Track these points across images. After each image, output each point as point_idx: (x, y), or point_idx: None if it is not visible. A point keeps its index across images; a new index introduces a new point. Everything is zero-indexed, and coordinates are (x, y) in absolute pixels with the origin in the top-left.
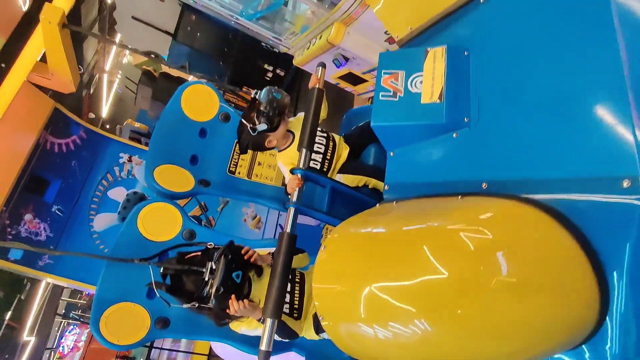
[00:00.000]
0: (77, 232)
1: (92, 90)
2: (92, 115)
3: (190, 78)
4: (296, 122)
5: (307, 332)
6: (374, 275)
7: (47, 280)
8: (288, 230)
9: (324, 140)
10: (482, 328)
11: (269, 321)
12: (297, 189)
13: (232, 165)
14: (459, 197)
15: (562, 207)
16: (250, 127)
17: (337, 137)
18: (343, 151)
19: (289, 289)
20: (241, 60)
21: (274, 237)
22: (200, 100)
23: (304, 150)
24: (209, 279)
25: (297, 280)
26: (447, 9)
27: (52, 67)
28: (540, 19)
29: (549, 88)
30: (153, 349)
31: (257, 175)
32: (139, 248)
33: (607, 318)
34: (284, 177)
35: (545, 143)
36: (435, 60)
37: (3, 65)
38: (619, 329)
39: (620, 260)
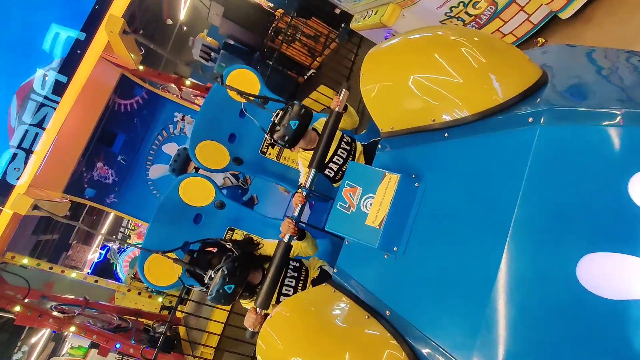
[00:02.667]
0: (136, 179)
1: None
2: (169, 22)
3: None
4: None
5: None
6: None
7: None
8: (285, 240)
9: (345, 153)
10: None
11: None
12: (299, 205)
13: (264, 146)
14: (367, 316)
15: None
16: (269, 143)
17: (359, 149)
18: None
19: (292, 284)
20: None
21: (284, 215)
22: (243, 83)
23: (312, 171)
24: (206, 284)
25: (302, 277)
26: (419, 127)
27: (117, 54)
28: (481, 173)
29: (459, 248)
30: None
31: (285, 158)
32: (179, 209)
33: None
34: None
35: (434, 299)
36: (388, 187)
37: (79, 51)
38: None
39: None
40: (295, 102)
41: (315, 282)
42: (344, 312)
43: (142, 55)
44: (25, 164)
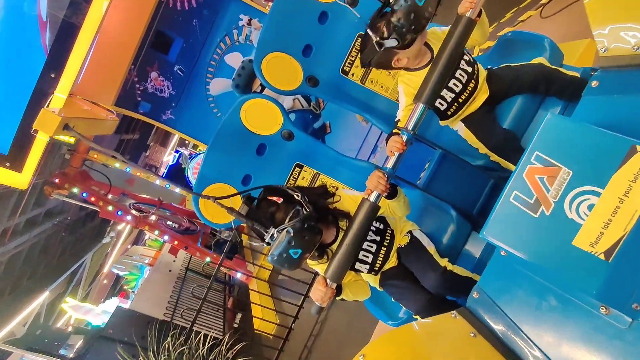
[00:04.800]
0: (195, 93)
1: None
2: None
3: None
4: (440, 35)
5: (373, 282)
6: None
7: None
8: (372, 199)
9: (466, 76)
10: None
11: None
12: (396, 153)
13: (347, 64)
14: None
15: None
16: (376, 41)
17: (482, 74)
18: (480, 95)
19: (373, 249)
20: None
21: (371, 153)
22: None
23: (419, 107)
24: (268, 241)
25: (385, 242)
26: None
27: None
28: None
29: None
30: None
31: (372, 82)
32: (240, 137)
33: None
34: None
35: None
36: (639, 177)
37: None
38: None
39: None
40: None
41: (402, 252)
42: None
43: None
44: (70, 53)
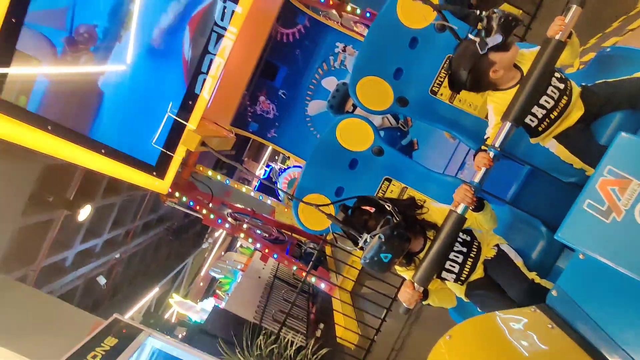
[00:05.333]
0: (295, 114)
1: None
2: None
3: None
4: (528, 56)
5: (459, 292)
6: None
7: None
8: (459, 211)
9: (557, 93)
10: None
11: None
12: (483, 168)
13: (435, 84)
14: None
15: None
16: (478, 43)
17: (575, 90)
18: (574, 112)
19: (459, 260)
20: None
21: (458, 169)
22: (420, 4)
23: (507, 125)
24: (361, 247)
25: (472, 254)
26: None
27: None
28: None
29: None
30: None
31: (460, 101)
32: (335, 153)
33: None
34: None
35: None
36: None
37: None
38: None
39: None
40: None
41: (489, 264)
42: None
43: None
44: (203, 85)
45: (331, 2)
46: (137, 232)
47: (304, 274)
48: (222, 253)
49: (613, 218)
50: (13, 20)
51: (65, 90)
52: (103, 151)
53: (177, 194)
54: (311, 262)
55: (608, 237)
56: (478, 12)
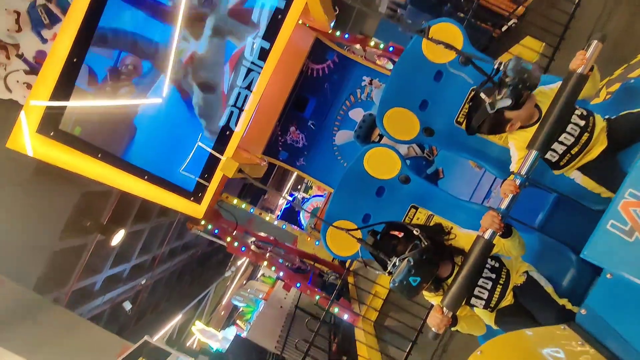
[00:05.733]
0: (324, 143)
1: None
2: None
3: None
4: (549, 94)
5: (488, 320)
6: None
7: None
8: (487, 236)
9: (578, 130)
10: None
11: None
12: (510, 195)
13: (461, 116)
14: None
15: None
16: (488, 103)
17: (598, 125)
18: (597, 146)
19: (488, 286)
20: None
21: (484, 198)
22: (444, 39)
23: (533, 153)
24: (390, 271)
25: (501, 281)
26: None
27: (313, 16)
28: None
29: None
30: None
31: None
32: (362, 180)
33: None
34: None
35: None
36: None
37: (279, 17)
38: None
39: None
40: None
41: (517, 291)
42: None
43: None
44: (238, 120)
45: (355, 38)
46: (163, 258)
47: (327, 303)
48: (244, 282)
49: (636, 237)
50: (74, 60)
51: (112, 120)
52: (146, 177)
53: (203, 222)
54: (335, 291)
55: (632, 255)
56: (496, 64)
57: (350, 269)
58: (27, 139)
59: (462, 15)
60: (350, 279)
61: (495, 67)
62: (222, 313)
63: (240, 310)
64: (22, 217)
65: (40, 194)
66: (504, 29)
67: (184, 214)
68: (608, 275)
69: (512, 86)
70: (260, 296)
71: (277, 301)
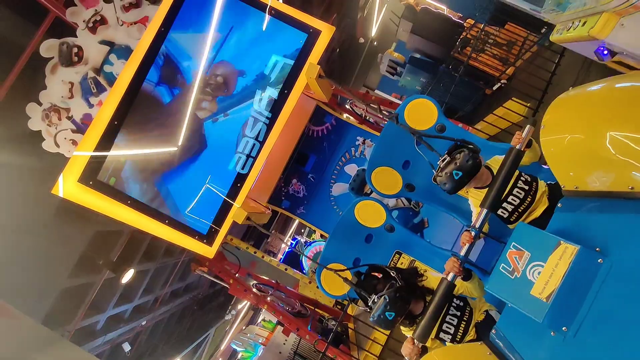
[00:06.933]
0: (321, 194)
1: (365, 13)
2: (361, 40)
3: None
4: (500, 159)
5: None
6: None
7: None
8: (449, 278)
9: (523, 194)
10: None
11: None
12: (466, 244)
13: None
14: None
15: None
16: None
17: (540, 189)
18: (539, 207)
19: (454, 322)
20: None
21: (455, 242)
22: (420, 114)
23: (484, 212)
24: (369, 306)
25: (465, 318)
26: (612, 192)
27: (314, 91)
28: None
29: None
30: None
31: None
32: (353, 228)
33: None
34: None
35: None
36: (562, 257)
37: (286, 91)
38: None
39: None
40: (464, 148)
41: (479, 327)
42: None
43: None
44: (251, 165)
45: (358, 92)
46: (165, 299)
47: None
48: (244, 327)
49: (515, 275)
50: (115, 122)
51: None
52: (167, 222)
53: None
54: (331, 334)
55: (512, 287)
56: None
57: (352, 314)
58: (69, 186)
59: (455, 74)
60: (351, 325)
61: (442, 159)
62: (220, 359)
63: (240, 355)
64: (40, 254)
65: (58, 231)
66: (494, 88)
67: (188, 255)
68: (509, 304)
69: (441, 184)
70: (260, 341)
71: (275, 346)
